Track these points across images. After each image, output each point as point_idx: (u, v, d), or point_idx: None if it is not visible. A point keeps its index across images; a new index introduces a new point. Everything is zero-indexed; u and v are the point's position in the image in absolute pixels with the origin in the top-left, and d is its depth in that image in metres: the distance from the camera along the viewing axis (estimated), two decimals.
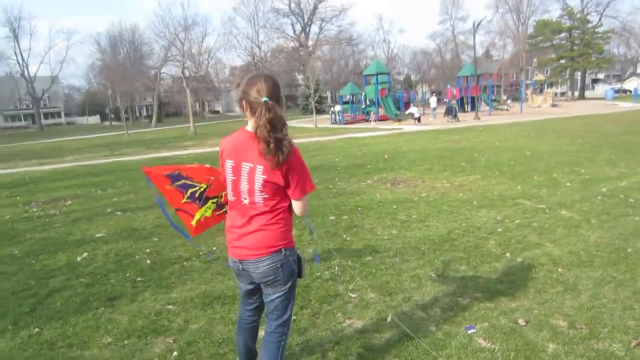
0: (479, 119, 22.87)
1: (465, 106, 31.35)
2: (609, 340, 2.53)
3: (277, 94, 1.85)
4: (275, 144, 1.75)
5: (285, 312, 2.01)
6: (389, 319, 2.86)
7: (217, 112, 72.47)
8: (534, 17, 51.81)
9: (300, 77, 57.16)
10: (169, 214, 2.69)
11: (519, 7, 51.57)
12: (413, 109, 23.95)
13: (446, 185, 7.02)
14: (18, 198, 8.09)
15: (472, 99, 28.57)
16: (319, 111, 35.88)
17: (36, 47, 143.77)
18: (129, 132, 30.87)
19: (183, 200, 2.59)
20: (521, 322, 2.76)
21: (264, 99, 1.79)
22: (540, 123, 18.86)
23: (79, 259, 4.43)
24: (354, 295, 3.27)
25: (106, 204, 7.11)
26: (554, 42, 48.50)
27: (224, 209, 2.23)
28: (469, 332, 2.67)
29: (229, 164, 1.92)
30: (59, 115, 68.91)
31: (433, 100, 27.86)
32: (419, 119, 22.97)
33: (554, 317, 2.81)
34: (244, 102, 1.86)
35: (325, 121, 29.12)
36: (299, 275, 2.02)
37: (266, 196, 1.86)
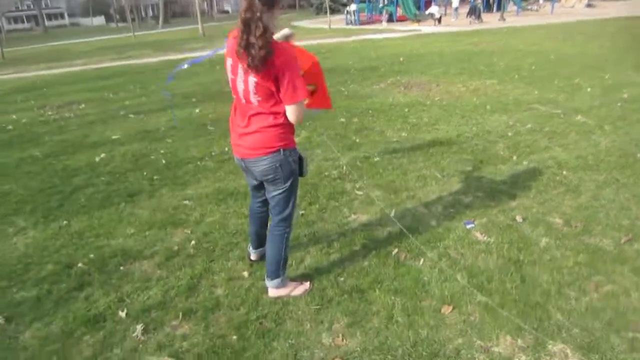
0: (504, 20, 21.23)
1: (492, 6, 28.98)
2: (601, 236, 2.65)
3: None
4: (245, 47, 1.69)
5: (286, 208, 2.11)
6: (392, 214, 3.01)
7: (227, 12, 68.65)
8: None
9: None
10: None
11: None
12: (433, 9, 22.24)
13: (461, 89, 6.82)
14: (32, 102, 8.16)
15: None
16: (334, 11, 33.59)
17: None
18: (135, 33, 29.73)
19: None
20: (519, 219, 2.88)
21: None
22: (571, 25, 17.47)
23: (97, 159, 4.61)
24: (360, 193, 3.40)
25: (119, 107, 7.17)
26: None
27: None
28: (468, 226, 2.82)
29: (229, 62, 1.89)
30: (62, 16, 66.41)
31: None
32: (439, 20, 21.49)
33: (551, 215, 2.92)
34: None
35: (340, 22, 27.40)
36: (301, 174, 2.07)
37: (259, 99, 1.85)
